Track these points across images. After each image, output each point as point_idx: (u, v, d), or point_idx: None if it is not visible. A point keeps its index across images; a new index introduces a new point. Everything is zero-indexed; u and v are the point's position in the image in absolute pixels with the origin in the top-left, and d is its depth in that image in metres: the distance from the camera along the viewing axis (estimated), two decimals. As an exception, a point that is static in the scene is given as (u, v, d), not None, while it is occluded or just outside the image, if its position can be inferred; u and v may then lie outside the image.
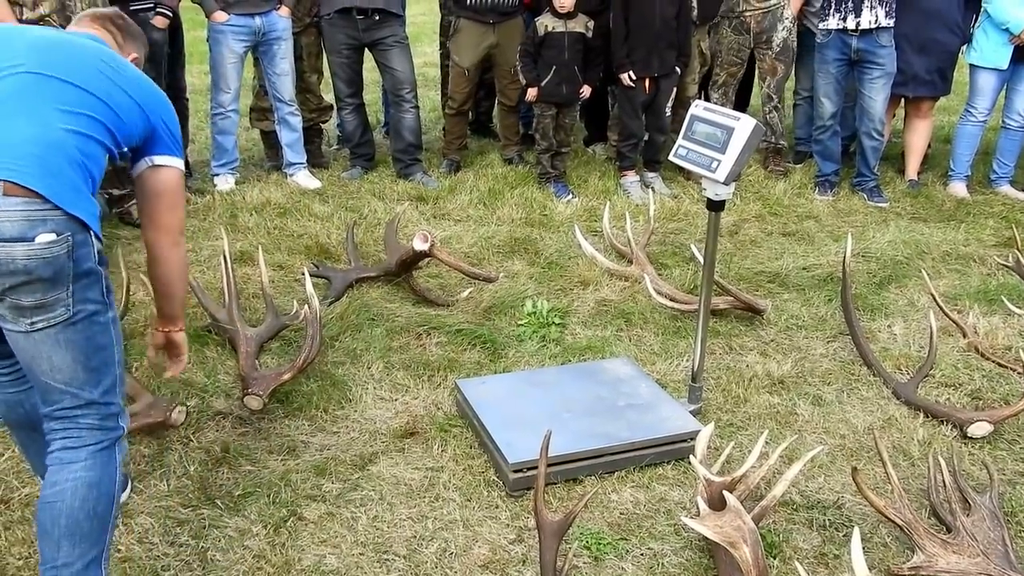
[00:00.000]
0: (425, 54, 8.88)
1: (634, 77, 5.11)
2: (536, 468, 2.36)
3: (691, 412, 2.96)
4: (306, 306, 3.20)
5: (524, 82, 5.23)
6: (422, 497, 2.56)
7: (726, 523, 2.14)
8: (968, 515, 2.46)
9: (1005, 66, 5.15)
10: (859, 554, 1.88)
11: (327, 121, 5.89)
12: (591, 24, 5.14)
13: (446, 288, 4.00)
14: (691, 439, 2.73)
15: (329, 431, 2.89)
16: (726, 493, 2.20)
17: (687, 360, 3.34)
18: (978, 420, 2.91)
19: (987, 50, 5.17)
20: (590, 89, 5.30)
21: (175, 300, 2.23)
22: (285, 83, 5.12)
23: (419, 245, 3.61)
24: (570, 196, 5.24)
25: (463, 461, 2.73)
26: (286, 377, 2.92)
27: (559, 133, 5.34)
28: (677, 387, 3.19)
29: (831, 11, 5.02)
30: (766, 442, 2.48)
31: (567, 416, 2.81)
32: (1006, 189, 5.49)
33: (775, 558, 2.35)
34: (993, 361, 3.42)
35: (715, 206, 2.74)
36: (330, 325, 3.51)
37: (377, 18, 5.10)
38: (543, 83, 5.12)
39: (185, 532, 2.39)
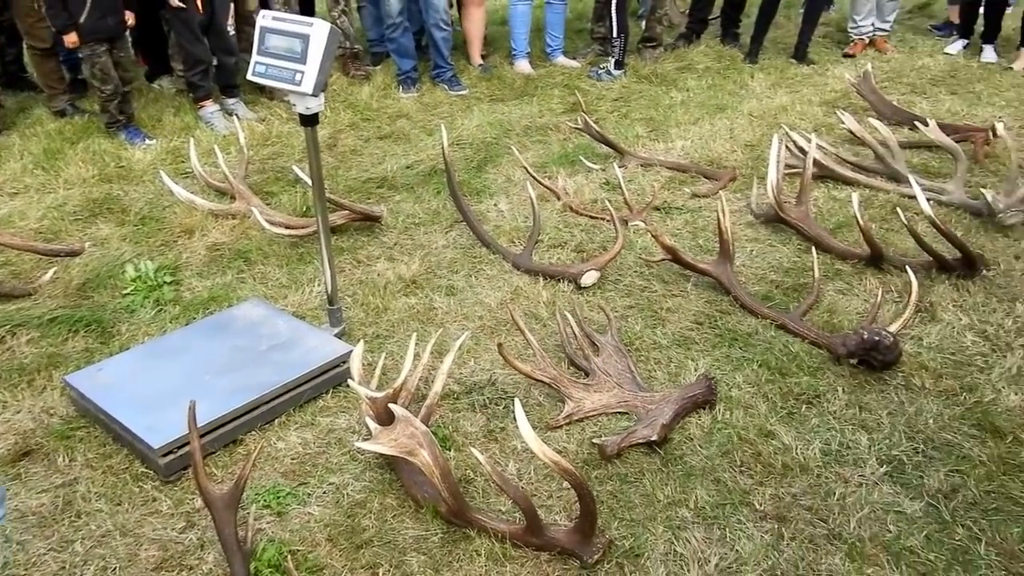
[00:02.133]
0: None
1: (183, -4, 4.64)
2: (188, 444, 2.13)
3: (336, 336, 2.88)
4: None
5: (55, 29, 4.48)
6: (59, 521, 2.19)
7: (399, 434, 2.13)
8: (598, 355, 2.75)
9: (536, -55, 5.56)
10: (523, 420, 1.98)
11: None
12: (117, -59, 4.51)
13: (21, 275, 3.39)
14: (344, 363, 2.67)
15: (-88, 483, 2.33)
16: (391, 406, 2.18)
17: (319, 285, 3.23)
18: (587, 270, 3.23)
19: (518, -68, 5.54)
20: (133, 16, 4.70)
21: None
22: None
23: (-30, 233, 2.98)
24: (146, 140, 4.69)
25: (99, 464, 2.38)
26: None
27: (119, 71, 4.68)
28: (316, 314, 3.08)
29: None
30: (415, 343, 2.50)
31: (208, 378, 2.57)
32: (561, 60, 6.05)
33: (451, 450, 2.42)
34: (586, 215, 3.81)
35: (309, 120, 2.60)
36: None
37: None
38: (82, 20, 4.42)
39: None
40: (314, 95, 2.48)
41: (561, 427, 2.49)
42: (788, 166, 4.00)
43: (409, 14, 5.48)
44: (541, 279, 3.28)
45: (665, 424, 2.39)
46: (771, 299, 3.13)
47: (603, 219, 3.73)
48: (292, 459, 2.41)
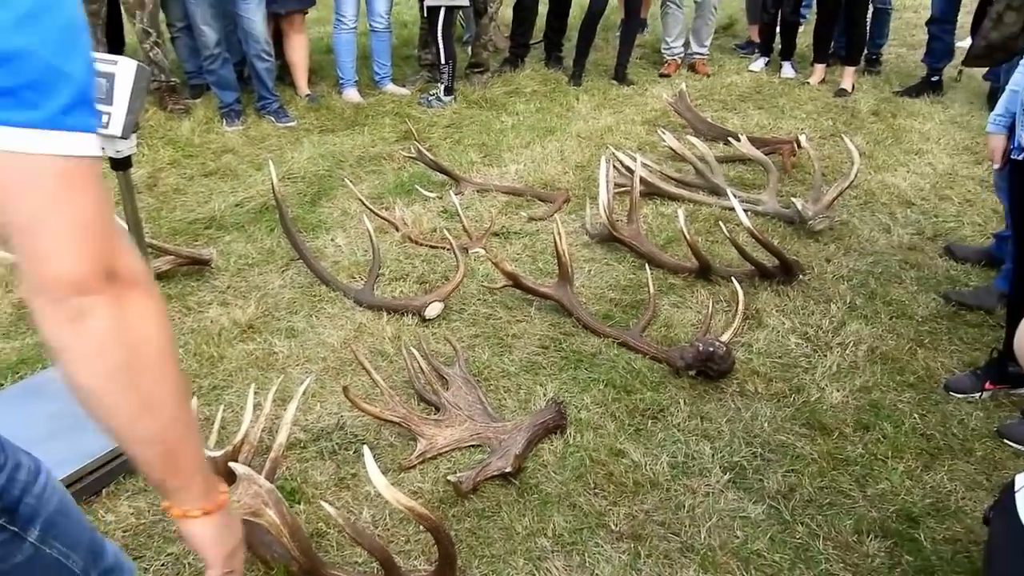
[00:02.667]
0: None
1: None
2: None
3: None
4: None
5: None
6: None
7: (242, 494, 2.00)
8: (447, 389, 2.72)
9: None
10: (372, 467, 1.92)
11: None
12: None
13: None
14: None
15: None
16: (232, 464, 2.06)
17: (145, 337, 3.02)
18: (431, 302, 3.19)
19: (337, -40, 5.46)
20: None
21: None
22: None
23: None
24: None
25: None
26: None
27: None
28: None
29: None
30: (256, 392, 2.37)
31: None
32: (390, 87, 6.01)
33: (300, 503, 2.31)
34: (426, 245, 3.78)
35: (121, 164, 2.42)
36: None
37: None
38: None
39: None
40: (124, 137, 2.31)
41: (415, 467, 2.44)
42: (617, 185, 4.14)
43: (228, 44, 5.27)
44: (385, 314, 3.22)
45: (518, 454, 2.39)
46: (611, 317, 3.22)
47: (443, 248, 3.72)
48: (124, 532, 2.22)
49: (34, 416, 2.48)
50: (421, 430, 2.52)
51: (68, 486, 2.25)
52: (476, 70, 6.29)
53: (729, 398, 2.75)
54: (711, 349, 2.75)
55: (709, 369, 2.78)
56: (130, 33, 5.57)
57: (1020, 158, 2.53)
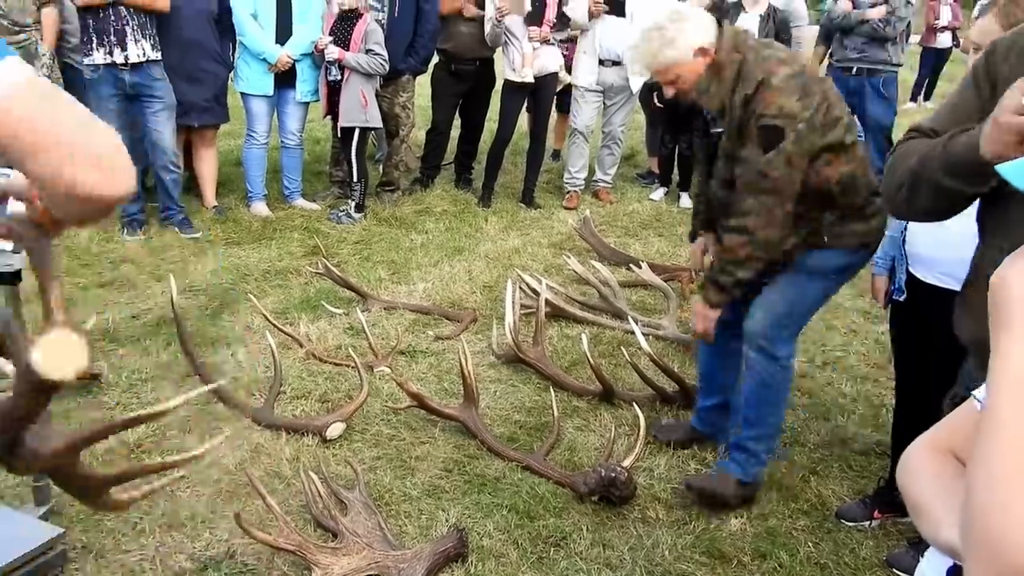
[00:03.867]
0: None
1: None
2: None
3: (42, 517, 2.52)
4: None
5: None
6: None
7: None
8: (346, 514, 2.63)
9: (271, 92, 5.60)
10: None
11: None
12: None
13: None
14: (51, 549, 2.32)
15: None
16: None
17: (21, 457, 2.83)
18: (332, 422, 3.12)
19: (252, 78, 5.56)
20: None
21: None
22: None
23: None
24: None
25: None
26: None
27: None
28: (17, 492, 2.68)
29: (93, 46, 4.76)
30: (139, 519, 2.24)
31: None
32: (300, 202, 6.03)
33: (181, 642, 2.16)
34: (330, 362, 3.72)
35: (10, 278, 2.34)
36: None
37: None
38: None
39: None
40: (15, 251, 2.24)
41: (308, 600, 2.33)
42: (523, 306, 4.21)
43: (133, 154, 5.20)
44: (284, 434, 3.13)
45: (418, 585, 2.31)
46: (516, 440, 3.21)
47: (348, 366, 3.67)
48: None
49: None
50: (317, 559, 2.41)
51: None
52: (387, 188, 6.39)
53: (631, 524, 2.75)
54: (613, 475, 2.77)
55: (611, 495, 2.79)
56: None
57: (900, 299, 2.71)
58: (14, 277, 2.31)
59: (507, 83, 6.25)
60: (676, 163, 6.97)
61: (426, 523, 2.69)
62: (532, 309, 4.17)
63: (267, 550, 2.47)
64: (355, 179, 5.75)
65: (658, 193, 7.04)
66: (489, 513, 2.75)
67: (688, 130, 6.27)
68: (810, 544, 2.71)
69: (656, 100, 6.37)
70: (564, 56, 6.50)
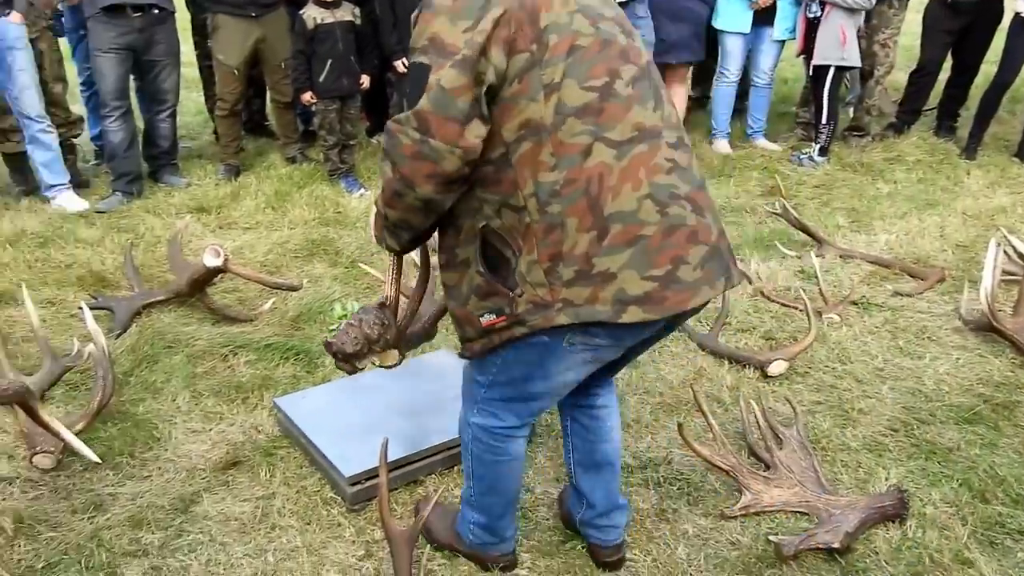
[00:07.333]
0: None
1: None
2: (375, 478, 2.27)
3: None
4: (90, 343, 2.87)
5: (295, 88, 5.06)
6: (257, 530, 2.39)
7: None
8: (781, 449, 2.67)
9: (748, 30, 5.60)
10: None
11: (79, 135, 5.32)
12: (357, 11, 5.00)
13: (246, 302, 3.76)
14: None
15: (139, 477, 2.62)
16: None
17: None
18: (775, 359, 3.15)
19: (731, 15, 5.60)
20: (369, 78, 5.16)
21: None
22: (29, 97, 4.56)
23: (211, 261, 3.35)
24: (362, 190, 5.10)
25: (295, 483, 2.58)
26: (80, 426, 2.61)
27: (345, 126, 5.16)
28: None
29: None
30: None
31: (397, 418, 2.73)
32: (762, 142, 6.00)
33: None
34: (778, 302, 3.73)
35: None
36: (121, 360, 3.18)
37: (156, 12, 4.81)
38: (322, 78, 4.93)
39: (-18, 625, 2.08)
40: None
41: (736, 518, 2.43)
42: (1005, 272, 3.73)
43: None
44: (726, 362, 3.24)
45: (849, 532, 2.27)
46: (979, 415, 2.91)
47: (796, 308, 3.64)
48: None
49: (410, 391, 2.89)
50: (748, 483, 2.50)
51: (426, 457, 2.60)
52: (856, 133, 6.05)
53: (1117, 534, 2.36)
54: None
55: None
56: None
57: None
58: None
59: (1017, 18, 5.42)
60: None
61: (863, 476, 2.61)
62: (1016, 276, 3.69)
63: (701, 464, 2.62)
64: (823, 121, 5.54)
65: None
66: (936, 483, 2.57)
67: None
68: None
69: None
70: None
